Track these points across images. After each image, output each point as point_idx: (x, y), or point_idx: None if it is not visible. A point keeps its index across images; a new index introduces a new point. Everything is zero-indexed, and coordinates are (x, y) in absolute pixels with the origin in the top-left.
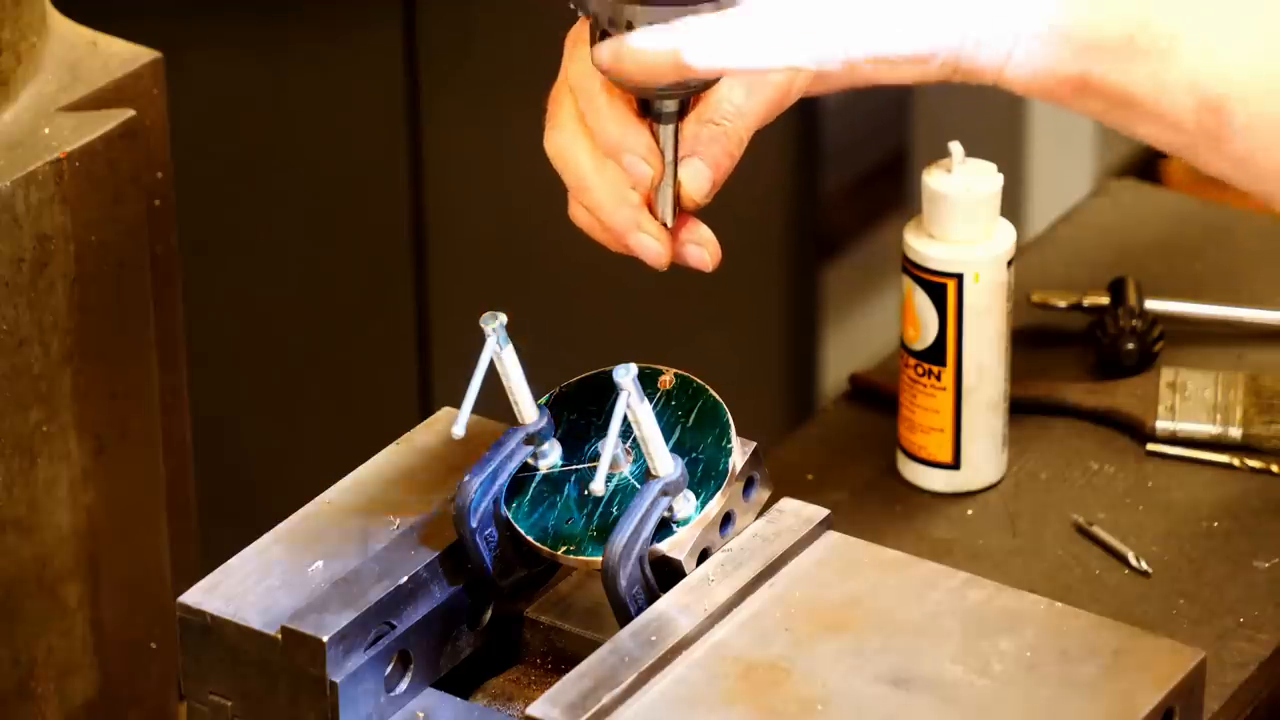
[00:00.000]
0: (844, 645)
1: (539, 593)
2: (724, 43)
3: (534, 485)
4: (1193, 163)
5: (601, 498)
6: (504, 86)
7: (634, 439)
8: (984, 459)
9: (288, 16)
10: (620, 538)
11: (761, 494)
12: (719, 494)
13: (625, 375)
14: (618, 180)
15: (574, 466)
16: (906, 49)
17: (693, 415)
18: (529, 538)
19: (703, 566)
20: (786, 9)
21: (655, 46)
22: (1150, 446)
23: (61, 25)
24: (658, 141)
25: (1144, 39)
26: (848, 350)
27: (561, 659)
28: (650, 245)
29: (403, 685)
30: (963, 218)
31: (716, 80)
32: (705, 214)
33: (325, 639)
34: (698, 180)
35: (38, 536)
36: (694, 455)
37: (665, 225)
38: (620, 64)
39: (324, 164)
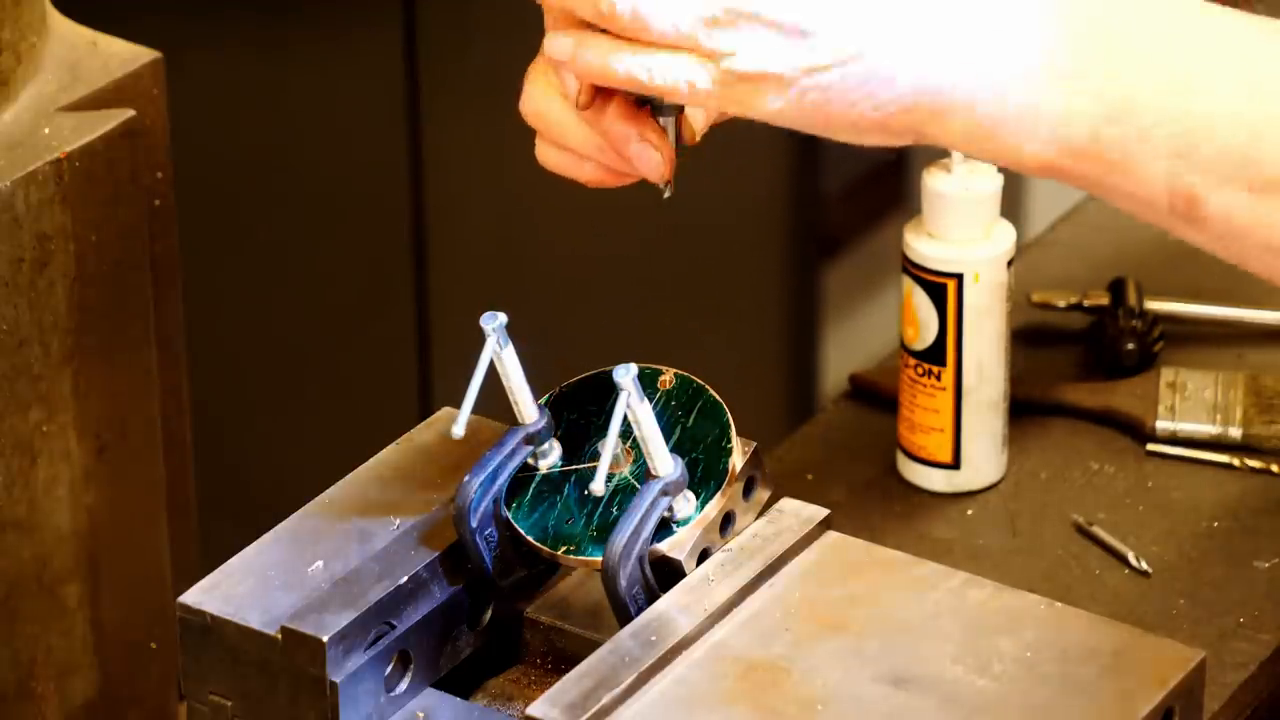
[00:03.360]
0: (844, 645)
1: (539, 593)
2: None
3: (534, 485)
4: (1174, 234)
5: (601, 498)
6: (504, 86)
7: (634, 439)
8: (984, 459)
9: (288, 16)
10: (620, 538)
11: (761, 494)
12: (719, 494)
13: (625, 375)
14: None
15: (574, 466)
16: (868, 109)
17: (693, 415)
18: (529, 538)
19: (703, 566)
20: (779, 46)
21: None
22: (1150, 446)
23: (61, 25)
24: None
25: (1111, 134)
26: (848, 350)
27: (561, 659)
28: (651, 155)
29: (403, 685)
30: (963, 218)
31: None
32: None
33: (325, 639)
34: (693, 113)
35: (38, 536)
36: (694, 455)
37: None
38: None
39: (324, 164)
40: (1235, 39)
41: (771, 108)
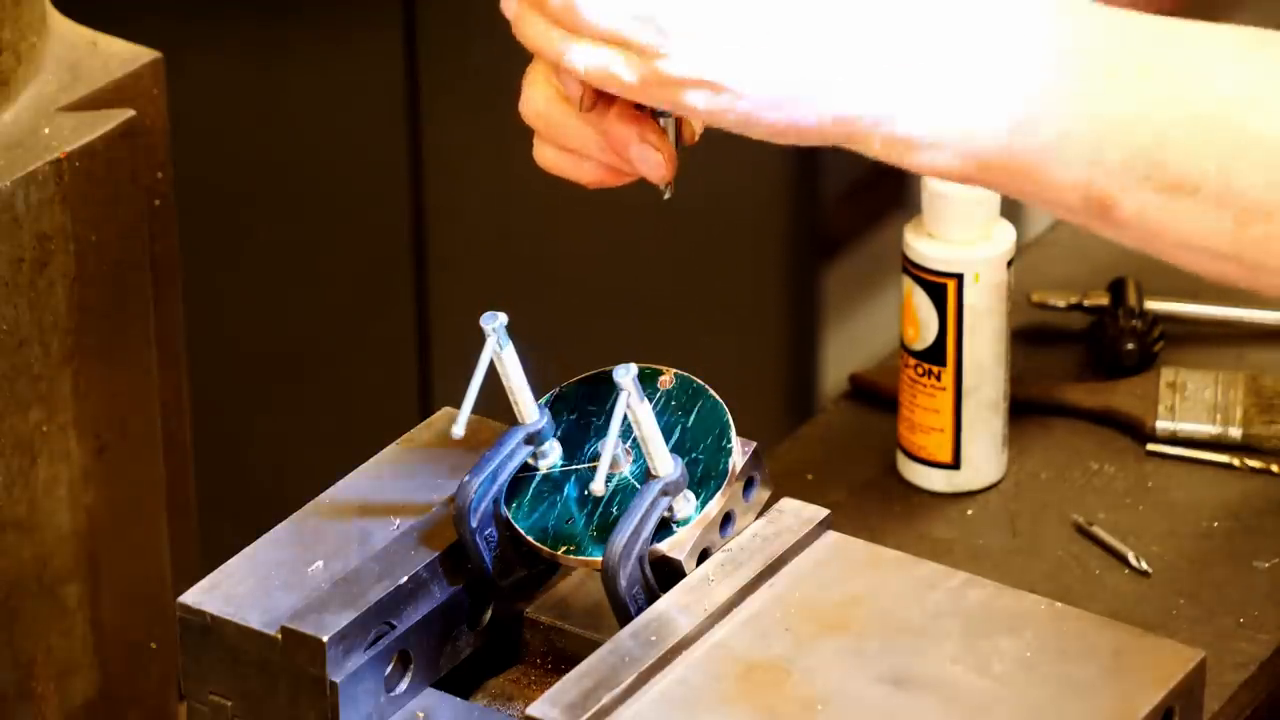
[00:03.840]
0: (844, 645)
1: (539, 593)
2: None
3: (534, 485)
4: (1094, 232)
5: (601, 498)
6: (504, 86)
7: (634, 439)
8: (984, 459)
9: (288, 16)
10: (620, 538)
11: (761, 494)
12: (719, 494)
13: (625, 375)
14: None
15: (574, 466)
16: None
17: (693, 415)
18: (529, 538)
19: (703, 566)
20: (711, 53)
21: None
22: (1150, 446)
23: (61, 25)
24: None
25: (1023, 143)
26: (848, 350)
27: (561, 659)
28: (652, 156)
29: (403, 685)
30: (963, 218)
31: None
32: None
33: (325, 639)
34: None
35: (38, 536)
36: (694, 455)
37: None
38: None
39: (324, 164)
40: (1139, 44)
41: (698, 110)
